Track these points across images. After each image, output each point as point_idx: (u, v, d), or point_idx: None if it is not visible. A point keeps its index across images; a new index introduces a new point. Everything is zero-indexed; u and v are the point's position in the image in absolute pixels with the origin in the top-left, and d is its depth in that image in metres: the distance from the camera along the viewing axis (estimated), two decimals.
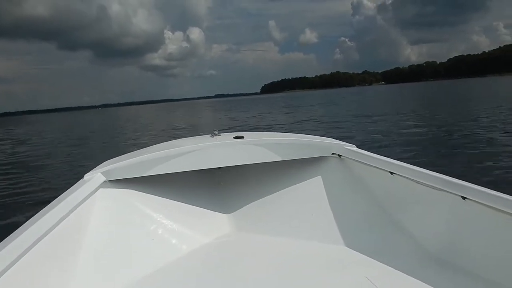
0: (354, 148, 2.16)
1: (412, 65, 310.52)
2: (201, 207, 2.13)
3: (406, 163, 1.81)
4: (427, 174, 1.65)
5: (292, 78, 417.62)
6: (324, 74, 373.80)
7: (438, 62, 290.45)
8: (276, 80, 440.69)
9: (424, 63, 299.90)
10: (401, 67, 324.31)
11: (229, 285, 1.53)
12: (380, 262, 1.57)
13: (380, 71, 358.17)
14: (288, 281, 1.52)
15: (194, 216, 2.06)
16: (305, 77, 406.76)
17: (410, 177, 1.72)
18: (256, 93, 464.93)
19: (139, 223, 1.85)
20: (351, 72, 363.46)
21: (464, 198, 1.46)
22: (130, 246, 1.71)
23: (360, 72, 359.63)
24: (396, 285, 1.43)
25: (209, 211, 2.13)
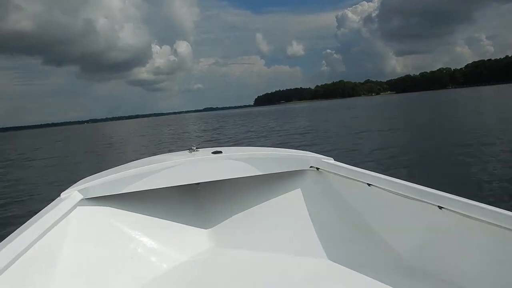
0: (331, 161, 2.21)
1: (425, 72, 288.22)
2: (180, 223, 2.15)
3: (384, 174, 1.86)
4: (404, 184, 1.70)
5: (286, 89, 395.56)
6: (326, 84, 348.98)
7: (452, 69, 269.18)
8: (270, 92, 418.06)
9: (437, 70, 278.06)
10: (412, 75, 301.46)
11: None
12: (360, 274, 1.63)
13: (384, 80, 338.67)
14: None
15: (174, 233, 2.09)
16: (301, 88, 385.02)
17: (388, 188, 1.77)
18: (249, 106, 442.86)
19: (117, 242, 1.86)
20: (353, 81, 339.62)
21: (440, 207, 1.51)
22: (109, 266, 1.72)
23: (362, 81, 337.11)
24: None
25: (189, 227, 2.16)
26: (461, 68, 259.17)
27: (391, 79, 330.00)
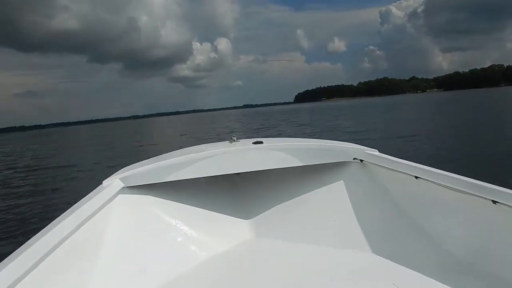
0: (376, 152, 2.15)
1: (475, 69, 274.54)
2: (220, 213, 2.15)
3: (431, 167, 1.80)
4: (454, 178, 1.63)
5: (327, 86, 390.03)
6: (370, 81, 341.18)
7: (505, 66, 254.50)
8: (310, 89, 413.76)
9: (489, 66, 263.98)
10: (460, 72, 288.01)
11: None
12: (407, 269, 1.58)
13: (431, 78, 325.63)
14: None
15: (213, 222, 2.08)
16: (342, 84, 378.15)
17: (436, 181, 1.71)
18: (289, 103, 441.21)
19: (157, 230, 1.88)
20: (398, 78, 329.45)
21: (494, 202, 1.43)
22: (149, 253, 1.74)
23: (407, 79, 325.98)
24: None
25: (228, 217, 2.15)
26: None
27: (438, 76, 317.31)
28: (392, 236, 1.84)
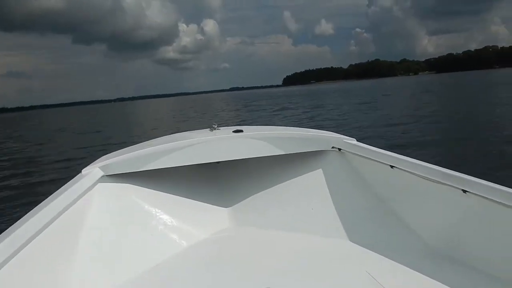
0: (354, 141, 2.21)
1: (469, 50, 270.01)
2: (200, 201, 2.17)
3: (407, 156, 1.86)
4: (428, 167, 1.69)
5: (316, 69, 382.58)
6: (361, 63, 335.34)
7: (500, 47, 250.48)
8: (299, 71, 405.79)
9: (483, 47, 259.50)
10: (454, 53, 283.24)
11: (228, 279, 1.58)
12: (381, 255, 1.64)
13: (421, 60, 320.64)
14: (288, 275, 1.57)
15: (194, 210, 2.10)
16: (332, 67, 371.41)
17: (411, 171, 1.77)
18: (277, 86, 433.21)
19: (137, 218, 1.89)
20: (389, 61, 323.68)
21: (464, 191, 1.50)
22: (129, 241, 1.75)
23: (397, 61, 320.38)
24: (396, 279, 1.48)
25: (209, 205, 2.18)
26: (510, 46, 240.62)
27: (430, 58, 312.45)
28: (368, 224, 1.90)
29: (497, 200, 1.36)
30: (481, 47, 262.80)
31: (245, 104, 40.32)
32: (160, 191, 2.05)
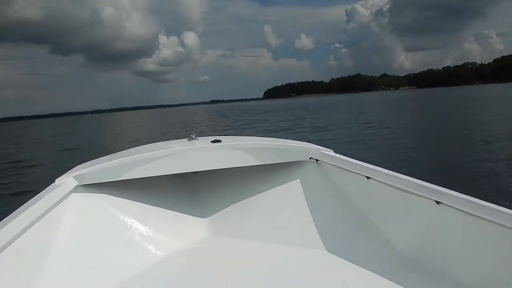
0: (331, 152, 2.22)
1: (448, 67, 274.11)
2: (177, 211, 2.14)
3: (382, 167, 1.88)
4: (402, 178, 1.71)
5: (297, 82, 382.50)
6: (342, 77, 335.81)
7: (478, 63, 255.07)
8: (280, 85, 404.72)
9: (462, 64, 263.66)
10: (434, 69, 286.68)
11: None
12: (357, 265, 1.66)
13: (402, 75, 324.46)
14: (265, 285, 1.59)
15: (170, 221, 2.08)
16: (313, 81, 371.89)
17: (386, 182, 1.78)
18: (258, 99, 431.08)
19: (112, 229, 1.85)
20: (370, 75, 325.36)
21: (438, 202, 1.53)
22: (103, 253, 1.71)
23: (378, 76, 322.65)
24: None
25: (186, 215, 2.15)
26: (488, 63, 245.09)
27: (410, 74, 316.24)
28: (344, 235, 1.90)
29: (469, 212, 1.40)
30: (460, 64, 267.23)
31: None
32: (136, 201, 2.00)
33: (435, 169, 7.08)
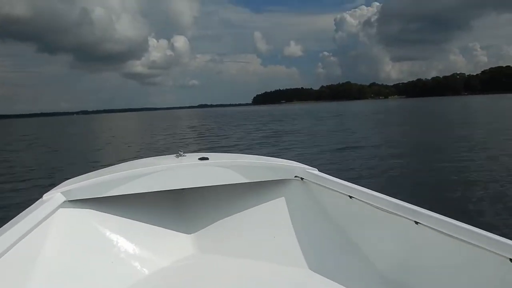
0: (316, 171, 2.26)
1: (437, 77, 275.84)
2: (163, 228, 2.17)
3: (365, 187, 1.93)
4: (384, 199, 1.75)
5: (286, 89, 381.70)
6: (332, 85, 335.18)
7: (467, 75, 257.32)
8: (269, 91, 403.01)
9: (451, 75, 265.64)
10: (423, 79, 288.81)
11: None
12: (339, 284, 1.69)
13: (391, 84, 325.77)
14: None
15: (157, 238, 2.10)
16: (302, 88, 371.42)
17: (368, 201, 1.82)
18: (247, 104, 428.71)
19: (99, 245, 1.86)
20: (359, 84, 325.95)
21: (417, 223, 1.57)
22: (89, 269, 1.71)
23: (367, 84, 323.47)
24: None
25: (172, 232, 2.18)
26: (477, 74, 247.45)
27: (399, 83, 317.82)
28: (328, 253, 1.94)
29: (446, 232, 1.44)
30: (449, 74, 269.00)
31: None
32: (123, 217, 2.01)
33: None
